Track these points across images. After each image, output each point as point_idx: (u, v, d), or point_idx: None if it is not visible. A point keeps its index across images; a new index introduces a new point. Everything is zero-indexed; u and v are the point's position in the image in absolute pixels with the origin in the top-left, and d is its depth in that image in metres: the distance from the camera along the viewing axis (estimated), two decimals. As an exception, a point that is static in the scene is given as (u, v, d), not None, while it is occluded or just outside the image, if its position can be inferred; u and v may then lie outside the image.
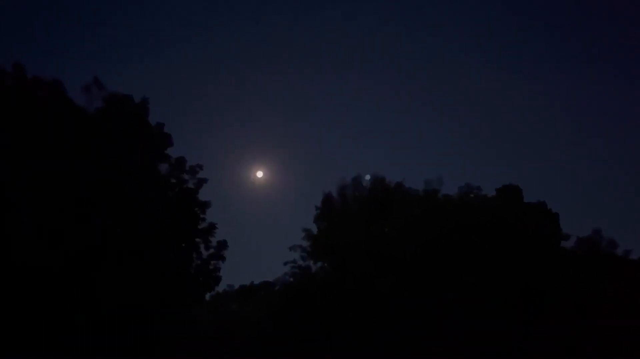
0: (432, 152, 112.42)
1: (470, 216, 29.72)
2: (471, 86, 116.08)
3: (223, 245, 23.32)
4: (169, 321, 23.60)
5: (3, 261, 18.50)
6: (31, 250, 18.78)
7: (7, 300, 18.17)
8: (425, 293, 29.04)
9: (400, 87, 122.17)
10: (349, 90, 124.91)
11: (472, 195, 32.54)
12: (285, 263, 34.31)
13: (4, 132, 19.34)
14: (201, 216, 23.16)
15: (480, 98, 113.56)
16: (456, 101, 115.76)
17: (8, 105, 19.57)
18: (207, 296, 37.70)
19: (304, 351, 33.09)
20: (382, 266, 29.88)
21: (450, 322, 28.56)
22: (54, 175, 19.67)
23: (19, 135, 19.47)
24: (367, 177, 35.04)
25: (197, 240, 23.23)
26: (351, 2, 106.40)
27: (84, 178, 20.34)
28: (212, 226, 23.25)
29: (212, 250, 23.21)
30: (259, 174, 69.45)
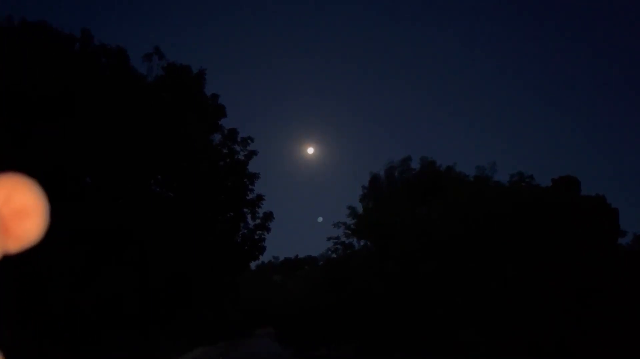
0: (487, 138, 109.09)
1: (520, 206, 28.81)
2: (531, 72, 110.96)
3: (269, 216, 23.81)
4: (214, 287, 24.53)
5: (65, 218, 19.59)
6: (89, 210, 19.80)
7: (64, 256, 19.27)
8: (467, 280, 28.61)
9: (456, 72, 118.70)
10: (404, 72, 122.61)
11: (523, 184, 31.47)
12: (329, 239, 34.72)
13: (71, 96, 20.34)
14: (250, 187, 23.70)
15: (540, 86, 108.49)
16: (515, 88, 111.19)
17: (75, 70, 20.55)
18: (253, 266, 38.76)
19: (341, 328, 33.58)
20: (425, 250, 29.66)
21: (490, 314, 28.03)
22: (113, 139, 20.55)
23: (83, 100, 20.43)
24: (320, 219, 34.35)
25: (245, 210, 23.81)
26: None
27: (142, 144, 21.16)
28: (259, 198, 23.74)
29: (258, 221, 23.77)
30: (310, 150, 70.16)
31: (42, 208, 0.53)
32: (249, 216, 23.84)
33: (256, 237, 23.85)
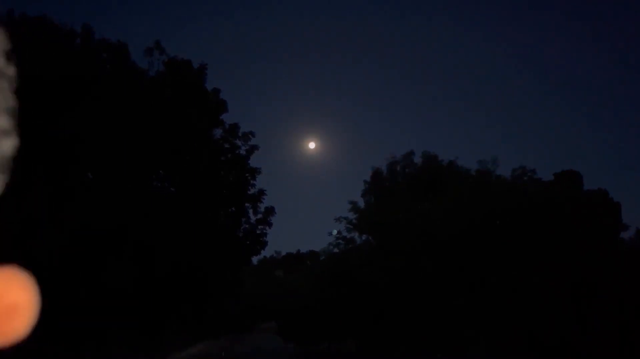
0: (490, 133, 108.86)
1: (522, 201, 28.75)
2: (533, 67, 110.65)
3: (270, 211, 23.78)
4: (217, 282, 24.52)
5: (67, 214, 19.58)
6: (93, 205, 19.80)
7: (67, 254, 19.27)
8: (468, 277, 28.58)
9: (456, 68, 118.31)
10: (406, 67, 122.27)
11: (525, 178, 31.39)
12: (330, 234, 34.70)
13: (72, 92, 20.27)
14: (251, 182, 23.65)
15: (542, 80, 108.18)
16: (515, 83, 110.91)
17: (76, 65, 20.47)
18: (254, 260, 38.79)
19: (342, 324, 33.59)
20: (427, 246, 29.63)
21: (492, 310, 28.00)
22: (115, 134, 20.50)
23: (84, 95, 20.37)
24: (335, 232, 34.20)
25: (247, 204, 23.78)
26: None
27: (143, 140, 21.11)
28: (261, 193, 23.69)
29: (259, 215, 23.73)
30: (311, 145, 70.28)
31: (33, 305, 0.51)
32: (250, 211, 23.84)
33: (258, 232, 23.84)
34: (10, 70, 0.50)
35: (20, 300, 0.49)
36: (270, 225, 23.82)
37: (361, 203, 35.71)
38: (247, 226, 23.86)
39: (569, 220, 28.30)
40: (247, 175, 23.61)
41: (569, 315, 27.29)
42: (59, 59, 20.03)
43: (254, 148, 23.76)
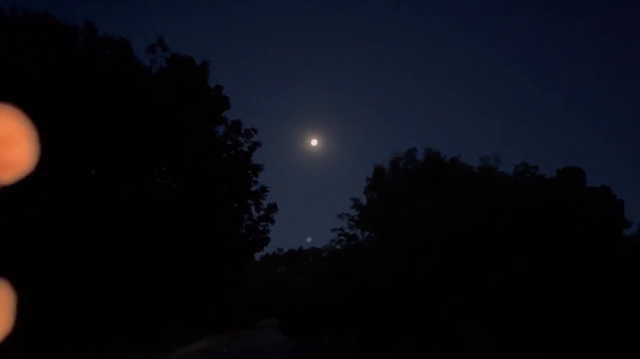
0: (492, 129, 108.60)
1: (524, 198, 28.70)
2: (535, 63, 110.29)
3: (273, 207, 23.78)
4: (219, 278, 24.56)
5: (65, 209, 19.61)
6: (93, 200, 19.83)
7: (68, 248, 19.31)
8: (470, 273, 28.58)
9: (459, 64, 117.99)
10: (408, 63, 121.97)
11: (528, 175, 31.35)
12: (333, 230, 34.76)
13: (75, 88, 20.28)
14: (253, 178, 23.63)
15: (544, 77, 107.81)
16: (518, 80, 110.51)
17: (79, 62, 20.46)
18: (257, 257, 38.91)
19: (344, 320, 33.65)
20: (429, 243, 29.64)
21: (494, 307, 28.01)
22: (117, 131, 20.52)
23: (87, 92, 20.37)
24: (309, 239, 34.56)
25: (249, 201, 23.78)
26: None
27: (146, 136, 21.12)
28: (263, 189, 23.66)
29: (262, 212, 23.72)
30: (314, 142, 70.23)
31: (30, 134, 0.50)
32: (253, 208, 23.82)
33: (260, 229, 23.83)
34: None
35: (15, 130, 0.48)
36: (272, 221, 23.84)
37: (363, 200, 35.78)
38: (249, 222, 23.87)
39: (571, 217, 28.24)
40: (249, 171, 23.59)
41: (570, 312, 27.25)
42: (61, 56, 20.02)
43: (256, 145, 23.73)
